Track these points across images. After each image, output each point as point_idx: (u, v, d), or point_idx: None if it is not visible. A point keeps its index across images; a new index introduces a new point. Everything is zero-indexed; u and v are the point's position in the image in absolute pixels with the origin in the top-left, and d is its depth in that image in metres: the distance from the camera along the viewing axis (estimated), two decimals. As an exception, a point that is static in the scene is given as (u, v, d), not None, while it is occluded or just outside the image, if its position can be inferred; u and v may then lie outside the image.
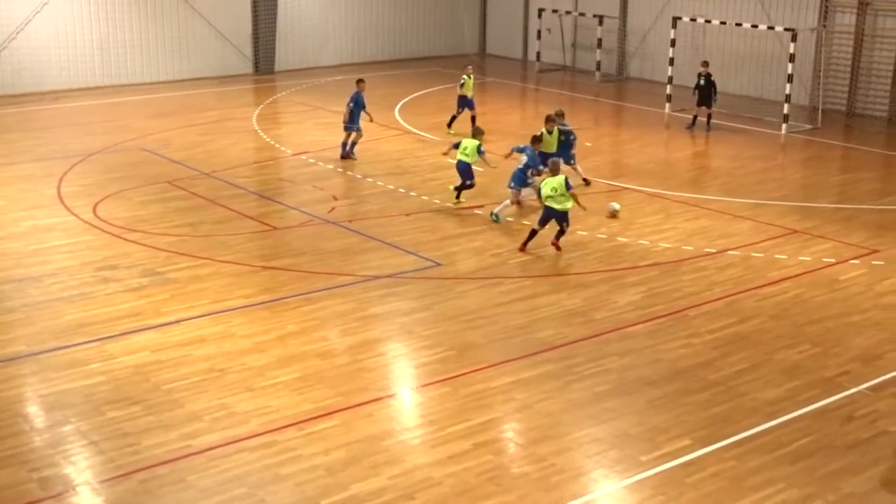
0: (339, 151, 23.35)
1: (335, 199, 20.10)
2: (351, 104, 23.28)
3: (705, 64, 27.04)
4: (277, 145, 24.88)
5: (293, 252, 17.13)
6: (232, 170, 22.19)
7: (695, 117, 27.16)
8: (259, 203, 20.06)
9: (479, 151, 19.70)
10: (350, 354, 13.22)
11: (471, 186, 19.91)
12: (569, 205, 16.88)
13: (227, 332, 13.79)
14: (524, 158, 19.27)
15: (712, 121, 27.06)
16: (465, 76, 26.17)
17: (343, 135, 23.43)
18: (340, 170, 22.33)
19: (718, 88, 26.96)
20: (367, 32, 37.63)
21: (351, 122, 23.30)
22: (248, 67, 34.99)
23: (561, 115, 21.44)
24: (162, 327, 13.91)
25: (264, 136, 25.79)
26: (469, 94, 26.04)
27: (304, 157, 23.55)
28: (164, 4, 32.83)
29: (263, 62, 35.06)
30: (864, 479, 10.38)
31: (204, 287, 15.40)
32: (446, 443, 11.05)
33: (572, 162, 20.96)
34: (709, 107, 26.88)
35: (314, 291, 15.30)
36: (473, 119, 25.60)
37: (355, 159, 23.17)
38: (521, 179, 19.15)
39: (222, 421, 11.39)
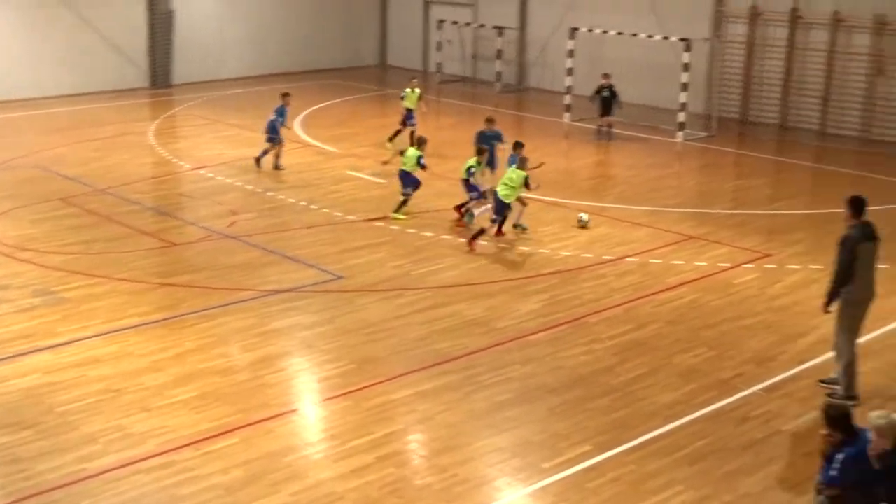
0: (239, 165, 23.13)
1: (235, 213, 19.86)
2: (275, 117, 23.36)
3: (606, 76, 27.43)
4: (175, 160, 24.50)
5: (192, 268, 16.86)
6: (128, 185, 21.78)
7: (599, 127, 27.58)
8: (157, 219, 19.72)
9: (419, 162, 19.65)
10: (250, 371, 13.04)
11: (405, 196, 19.92)
12: (512, 197, 17.79)
13: (123, 352, 13.50)
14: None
15: (614, 130, 27.49)
16: (407, 89, 26.16)
17: (265, 146, 23.52)
18: (240, 184, 22.08)
19: (604, 89, 27.40)
20: (267, 45, 37.31)
21: (274, 134, 23.34)
22: (145, 81, 34.40)
23: (491, 120, 21.67)
24: (55, 348, 13.54)
25: (162, 151, 25.38)
26: (412, 107, 25.93)
27: (202, 171, 23.24)
28: (55, 17, 32.05)
29: (160, 75, 34.51)
30: (758, 479, 10.59)
31: (98, 306, 15.05)
32: (348, 457, 10.97)
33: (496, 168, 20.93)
34: (610, 115, 27.34)
35: (213, 307, 15.07)
36: (412, 133, 25.37)
37: (283, 169, 23.24)
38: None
39: (118, 442, 11.13)
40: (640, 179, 23.24)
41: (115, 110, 30.63)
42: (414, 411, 12.02)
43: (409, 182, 19.95)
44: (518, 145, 19.20)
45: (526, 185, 18.02)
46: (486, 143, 20.60)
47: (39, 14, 31.76)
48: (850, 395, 12.25)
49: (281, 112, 23.54)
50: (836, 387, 12.44)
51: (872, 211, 12.73)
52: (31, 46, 31.76)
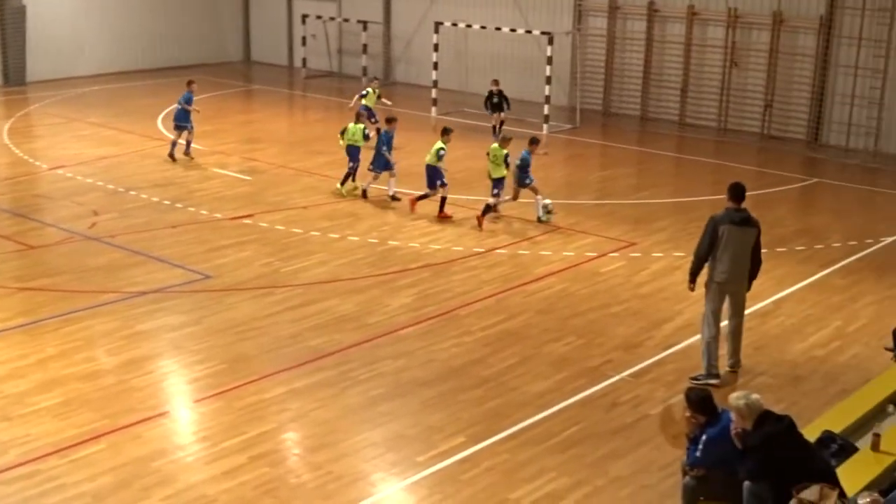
0: (99, 164, 22.52)
1: (96, 213, 19.31)
2: (182, 103, 23.58)
3: (496, 82, 27.29)
4: (32, 160, 23.67)
5: (52, 271, 16.32)
6: (-18, 187, 20.97)
7: (494, 126, 27.52)
8: (13, 221, 19.01)
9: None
10: (116, 374, 12.71)
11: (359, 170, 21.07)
12: (503, 173, 19.27)
13: (-19, 360, 13.00)
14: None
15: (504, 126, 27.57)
16: (369, 88, 26.16)
17: (174, 134, 23.79)
18: (100, 183, 21.47)
19: (480, 91, 27.65)
20: (126, 41, 36.33)
21: (184, 121, 23.55)
22: (-3, 79, 33.16)
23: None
24: None
25: (17, 151, 24.48)
26: (371, 105, 25.74)
27: (61, 171, 22.51)
28: None
29: (13, 73, 33.25)
30: (629, 462, 10.83)
31: (-47, 313, 14.47)
32: (221, 458, 10.80)
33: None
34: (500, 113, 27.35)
35: (76, 311, 14.63)
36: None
37: (192, 158, 23.11)
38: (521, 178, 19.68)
39: (-23, 454, 10.72)
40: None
41: (-34, 109, 29.43)
42: (287, 409, 11.90)
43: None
44: (533, 141, 20.09)
45: (505, 162, 19.45)
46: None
47: None
48: (711, 373, 12.61)
49: (187, 100, 23.69)
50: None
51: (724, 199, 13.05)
52: None
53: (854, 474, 9.29)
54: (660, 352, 13.63)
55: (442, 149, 19.88)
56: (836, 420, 10.68)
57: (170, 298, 15.26)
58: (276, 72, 37.84)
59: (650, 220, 19.68)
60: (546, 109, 27.73)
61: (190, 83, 24.16)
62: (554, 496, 10.19)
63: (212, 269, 16.48)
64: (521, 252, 17.58)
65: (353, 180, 21.29)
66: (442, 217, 19.42)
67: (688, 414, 9.26)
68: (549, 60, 27.82)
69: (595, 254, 17.58)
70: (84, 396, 12.07)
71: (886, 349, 13.15)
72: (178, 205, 20.02)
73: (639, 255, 17.59)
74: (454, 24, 30.26)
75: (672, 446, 10.95)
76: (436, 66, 29.83)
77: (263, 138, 26.14)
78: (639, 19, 29.71)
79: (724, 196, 12.85)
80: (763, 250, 12.95)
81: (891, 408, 11.12)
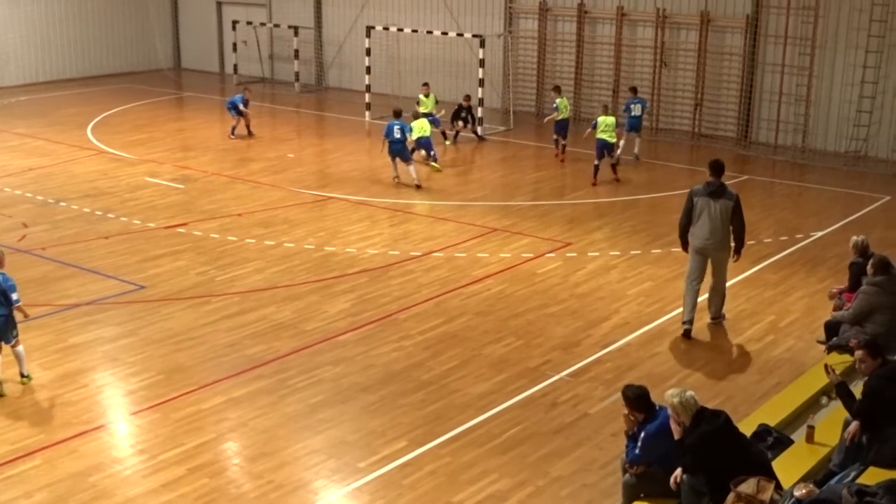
0: (28, 175, 22.12)
1: (25, 226, 18.97)
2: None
3: (467, 98, 27.21)
4: (-42, 172, 23.21)
5: (-19, 285, 15.99)
6: None
7: (454, 132, 27.56)
8: (-61, 235, 18.62)
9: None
10: (50, 389, 12.49)
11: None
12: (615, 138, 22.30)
13: None
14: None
15: (460, 134, 27.58)
16: (421, 95, 26.29)
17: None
18: (30, 195, 21.09)
19: (412, 94, 27.69)
20: (53, 49, 35.77)
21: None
22: (-81, 90, 32.46)
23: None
24: None
25: (-58, 164, 23.98)
26: (430, 110, 25.97)
27: (-12, 183, 22.09)
28: None
29: (-63, 84, 32.62)
30: (569, 461, 10.89)
31: None
32: (159, 470, 10.66)
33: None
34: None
35: (7, 325, 14.34)
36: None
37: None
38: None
39: None
40: (443, 175, 23.48)
41: None
42: (226, 419, 11.79)
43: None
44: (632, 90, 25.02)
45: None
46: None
47: None
48: (683, 321, 14.14)
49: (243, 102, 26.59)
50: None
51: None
52: None
53: (790, 466, 9.45)
54: (598, 350, 13.73)
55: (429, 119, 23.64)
56: (772, 413, 10.86)
57: (104, 310, 15.04)
58: (208, 78, 37.50)
59: (585, 221, 19.83)
60: (479, 112, 27.80)
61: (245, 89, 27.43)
62: (497, 497, 10.21)
63: (146, 279, 16.28)
64: (457, 255, 17.61)
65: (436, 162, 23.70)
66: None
67: (626, 412, 9.34)
68: (482, 63, 27.92)
69: (532, 255, 17.67)
70: (18, 412, 11.84)
71: (819, 342, 13.42)
72: (111, 215, 19.74)
73: (575, 255, 17.71)
74: (385, 28, 30.24)
75: (611, 444, 11.04)
76: (368, 70, 29.79)
77: (196, 146, 25.88)
78: (569, 20, 29.93)
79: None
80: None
81: (824, 400, 11.33)
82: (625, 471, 9.46)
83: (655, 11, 28.08)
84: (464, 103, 27.04)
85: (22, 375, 12.59)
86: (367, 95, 29.69)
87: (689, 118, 28.07)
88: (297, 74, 34.81)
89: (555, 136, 25.50)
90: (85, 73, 36.38)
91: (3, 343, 12.45)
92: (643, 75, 28.75)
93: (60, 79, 35.58)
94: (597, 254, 17.74)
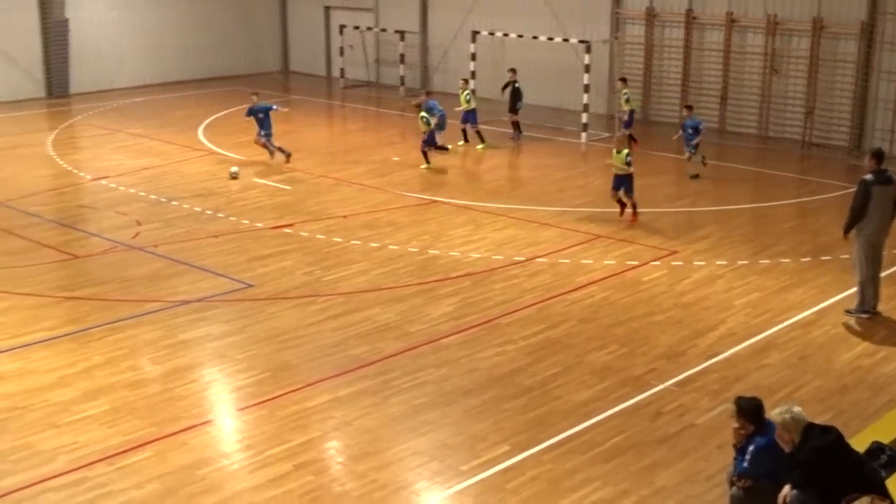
0: (141, 175, 22.73)
1: (139, 223, 19.49)
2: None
3: (512, 71, 27.68)
4: (75, 171, 23.95)
5: (97, 280, 16.49)
6: (27, 198, 21.23)
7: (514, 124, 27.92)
8: (58, 231, 19.24)
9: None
10: (161, 383, 12.81)
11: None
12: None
13: (28, 368, 13.14)
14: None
15: (521, 128, 27.80)
16: (468, 91, 26.71)
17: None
18: (143, 193, 21.68)
19: (524, 98, 27.76)
20: (166, 52, 36.70)
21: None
22: (41, 91, 33.58)
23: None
24: (-44, 367, 13.13)
25: (61, 162, 24.78)
26: (470, 107, 26.51)
27: (104, 181, 22.76)
28: (-56, 27, 31.16)
29: (57, 85, 33.72)
30: (674, 472, 10.75)
31: (0, 322, 14.63)
32: (266, 466, 10.84)
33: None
34: (514, 113, 27.64)
35: (121, 320, 14.76)
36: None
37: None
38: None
39: (25, 461, 10.81)
40: (547, 180, 23.45)
41: (10, 122, 29.82)
42: (331, 418, 11.93)
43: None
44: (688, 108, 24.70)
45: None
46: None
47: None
48: (864, 309, 14.77)
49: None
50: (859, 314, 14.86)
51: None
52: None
53: (905, 485, 9.18)
54: (703, 361, 13.53)
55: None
56: (885, 430, 10.54)
57: (213, 307, 15.36)
58: (315, 82, 38.05)
59: (691, 229, 19.57)
60: (584, 118, 27.66)
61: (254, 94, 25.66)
62: (599, 506, 10.15)
63: (254, 278, 16.58)
64: (561, 261, 17.53)
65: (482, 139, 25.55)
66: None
67: (736, 425, 9.18)
68: (587, 69, 27.77)
69: (636, 262, 17.50)
70: (130, 405, 12.17)
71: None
72: (220, 214, 20.16)
73: (680, 263, 17.49)
74: (491, 34, 30.29)
75: (718, 456, 10.86)
76: (473, 75, 29.86)
77: (303, 148, 26.25)
78: (676, 26, 29.59)
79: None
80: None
81: (940, 417, 11.00)
82: (731, 484, 9.31)
83: (766, 18, 27.58)
84: (511, 76, 27.27)
85: None
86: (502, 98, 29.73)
87: (800, 126, 27.48)
88: (402, 78, 35.10)
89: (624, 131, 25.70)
90: (196, 75, 37.25)
91: None
92: (752, 82, 28.27)
93: (172, 81, 36.49)
94: (703, 263, 17.48)
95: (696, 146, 23.68)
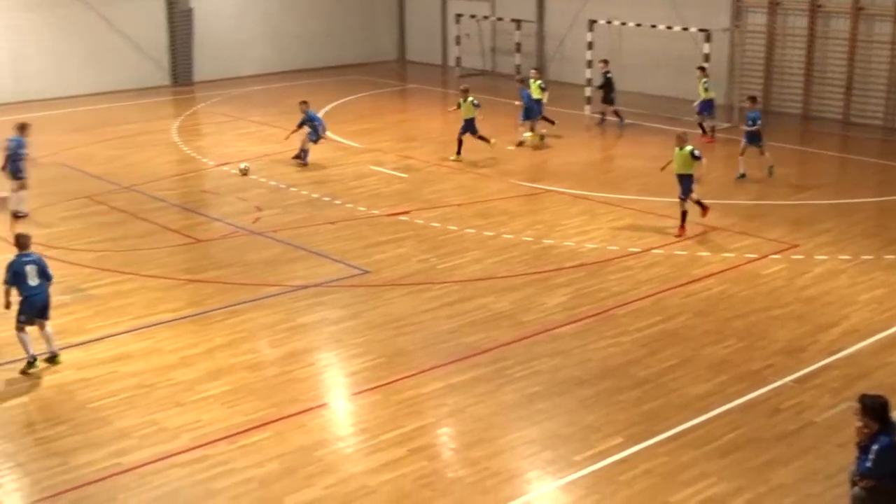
0: (262, 161, 23.18)
1: (259, 209, 19.92)
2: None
3: (604, 62, 27.52)
4: (199, 157, 24.59)
5: (218, 264, 16.93)
6: (153, 183, 21.89)
7: (602, 115, 27.86)
8: (182, 216, 19.80)
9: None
10: (279, 365, 13.10)
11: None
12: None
13: (154, 348, 13.59)
14: None
15: (608, 118, 27.63)
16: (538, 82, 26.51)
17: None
18: (263, 180, 22.14)
19: (635, 89, 27.54)
20: (286, 41, 37.39)
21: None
22: (166, 79, 34.57)
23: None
24: (86, 345, 13.64)
25: (185, 148, 25.48)
26: (541, 98, 26.30)
27: (226, 168, 23.31)
28: (77, 18, 32.28)
29: (181, 73, 34.67)
30: (792, 470, 10.56)
31: (128, 302, 15.15)
32: (380, 450, 11.01)
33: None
34: (610, 103, 27.46)
35: (241, 303, 15.14)
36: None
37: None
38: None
39: (152, 437, 11.21)
40: (664, 171, 23.10)
41: (137, 108, 30.74)
42: (444, 404, 12.04)
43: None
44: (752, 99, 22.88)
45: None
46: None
47: (62, 14, 31.95)
48: None
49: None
50: None
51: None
52: (54, 47, 31.95)
53: None
54: (825, 357, 13.23)
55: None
56: None
57: (330, 293, 15.62)
58: (430, 70, 38.26)
59: (813, 222, 19.11)
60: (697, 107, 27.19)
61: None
62: (714, 501, 10.03)
63: (370, 264, 16.80)
64: (677, 253, 17.33)
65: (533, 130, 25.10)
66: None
67: (859, 423, 8.95)
68: (706, 58, 27.30)
69: (755, 255, 17.19)
70: (250, 385, 12.49)
71: None
72: (337, 201, 20.47)
73: (801, 257, 17.11)
74: (608, 22, 30.01)
75: (838, 455, 10.62)
76: (589, 64, 29.63)
77: (418, 136, 26.47)
78: (800, 15, 28.87)
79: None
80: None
81: None
82: (853, 483, 9.08)
83: (894, 6, 26.70)
84: (601, 66, 27.01)
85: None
86: (587, 89, 29.56)
87: (931, 118, 26.56)
88: (517, 67, 35.02)
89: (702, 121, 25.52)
90: (315, 64, 37.83)
91: (44, 320, 12.98)
92: (879, 72, 27.43)
93: (292, 69, 37.12)
94: (824, 257, 17.07)
95: (761, 141, 22.31)
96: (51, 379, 12.62)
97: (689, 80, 29.22)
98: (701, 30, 27.86)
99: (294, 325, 14.44)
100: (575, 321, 14.50)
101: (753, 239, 18.05)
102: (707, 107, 25.90)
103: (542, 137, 25.53)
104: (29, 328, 12.87)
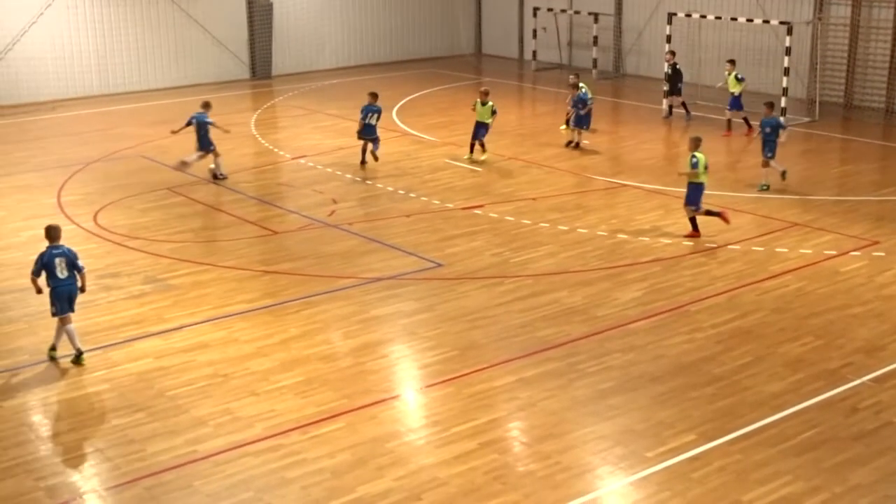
0: (338, 154, 23.37)
1: (335, 202, 20.10)
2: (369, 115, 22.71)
3: (671, 53, 27.31)
4: (276, 150, 24.89)
5: (294, 256, 17.13)
6: (231, 175, 22.19)
7: (670, 107, 27.69)
8: (259, 208, 20.07)
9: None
10: (353, 357, 13.22)
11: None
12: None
13: (230, 338, 13.80)
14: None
15: (676, 110, 27.41)
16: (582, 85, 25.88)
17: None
18: (339, 173, 22.34)
19: (715, 82, 27.24)
20: (364, 35, 37.66)
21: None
22: (245, 73, 35.04)
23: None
24: (164, 334, 13.91)
25: (262, 141, 25.81)
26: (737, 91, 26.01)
27: (302, 160, 23.57)
28: (160, 12, 32.91)
29: (260, 67, 35.10)
30: (870, 470, 10.38)
31: (205, 293, 15.41)
32: (451, 443, 11.05)
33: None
34: (678, 95, 27.21)
35: (315, 295, 15.30)
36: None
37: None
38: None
39: (227, 426, 11.40)
40: (741, 166, 22.88)
41: (217, 102, 30.90)
42: (516, 398, 12.05)
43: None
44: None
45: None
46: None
47: (145, 9, 32.60)
48: None
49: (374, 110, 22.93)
50: None
51: None
52: (137, 42, 32.60)
53: None
54: (905, 357, 12.98)
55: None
56: None
57: (403, 285, 15.71)
58: (507, 64, 38.20)
59: (894, 219, 18.70)
60: (783, 102, 26.76)
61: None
62: (789, 500, 9.89)
63: (444, 257, 16.86)
64: (754, 248, 17.09)
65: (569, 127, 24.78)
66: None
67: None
68: (788, 51, 26.84)
69: (834, 252, 16.88)
70: (323, 377, 12.62)
71: None
72: (412, 194, 20.57)
73: (882, 254, 16.76)
74: (688, 15, 29.66)
75: (918, 457, 10.43)
76: (673, 54, 29.30)
77: (494, 130, 26.37)
78: (886, 7, 28.23)
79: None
80: None
81: None
82: (932, 485, 8.92)
83: None
84: (668, 58, 26.69)
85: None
86: (665, 84, 29.25)
87: None
88: (594, 61, 34.84)
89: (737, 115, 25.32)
90: (392, 58, 38.07)
91: (68, 314, 13.07)
92: (967, 65, 26.74)
93: (369, 63, 37.36)
94: (907, 255, 16.73)
95: (774, 148, 20.65)
96: (130, 367, 12.90)
97: (769, 73, 28.83)
98: (782, 22, 27.40)
99: (367, 317, 14.55)
100: (649, 317, 14.39)
101: (833, 235, 17.74)
102: (737, 102, 25.55)
103: (577, 144, 24.64)
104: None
